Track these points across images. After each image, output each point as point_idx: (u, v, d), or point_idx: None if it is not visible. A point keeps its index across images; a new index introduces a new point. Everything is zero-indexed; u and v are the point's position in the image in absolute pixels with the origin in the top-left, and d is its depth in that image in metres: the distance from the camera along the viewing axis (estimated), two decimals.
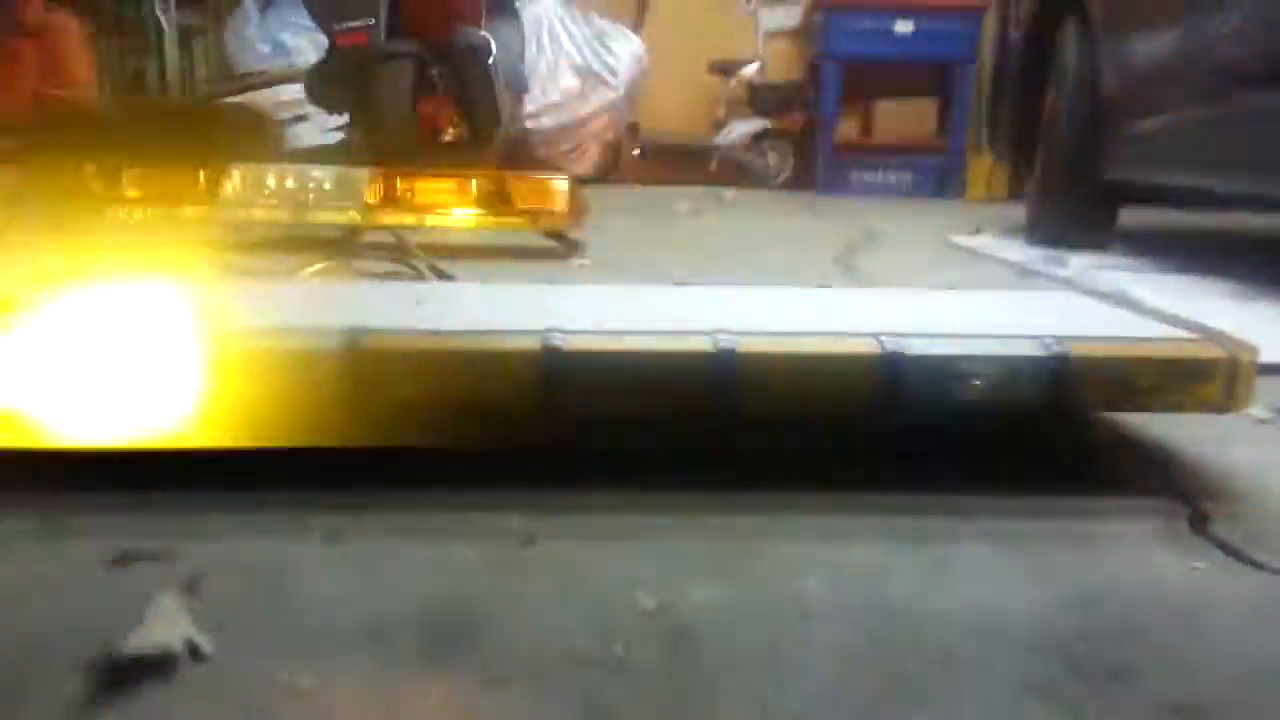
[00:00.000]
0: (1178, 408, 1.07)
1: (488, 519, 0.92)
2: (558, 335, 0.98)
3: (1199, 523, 0.97)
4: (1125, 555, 0.89)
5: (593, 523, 0.93)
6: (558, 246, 2.86)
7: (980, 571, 0.85)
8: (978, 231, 3.75)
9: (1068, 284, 2.58)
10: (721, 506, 0.98)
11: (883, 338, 1.01)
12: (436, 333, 1.00)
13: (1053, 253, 3.13)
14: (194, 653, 0.67)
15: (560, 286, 1.33)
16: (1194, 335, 1.09)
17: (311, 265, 2.19)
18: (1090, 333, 1.10)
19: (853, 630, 0.75)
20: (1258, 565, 0.87)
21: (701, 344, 1.00)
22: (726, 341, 1.00)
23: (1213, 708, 0.66)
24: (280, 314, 1.10)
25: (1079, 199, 3.21)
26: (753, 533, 0.92)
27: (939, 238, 3.62)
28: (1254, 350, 1.07)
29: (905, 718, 0.64)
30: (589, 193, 3.17)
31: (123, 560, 0.81)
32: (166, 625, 0.69)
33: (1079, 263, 2.91)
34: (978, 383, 1.02)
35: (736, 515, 0.96)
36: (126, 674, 0.65)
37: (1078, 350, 1.02)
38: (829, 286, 1.94)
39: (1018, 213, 3.80)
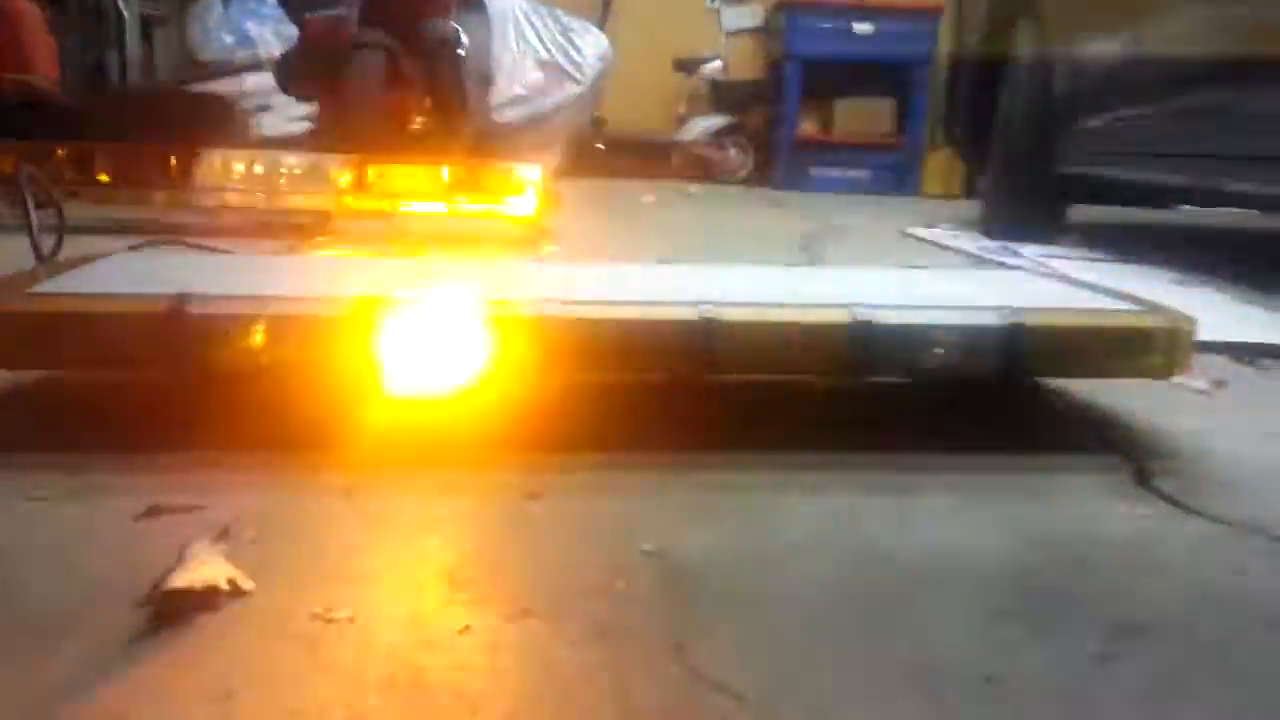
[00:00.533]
0: (1123, 373, 1.16)
1: (493, 477, 0.98)
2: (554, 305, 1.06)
3: (1143, 477, 1.06)
4: (1075, 503, 0.98)
5: (590, 480, 1.00)
6: (527, 235, 2.91)
7: (943, 517, 0.93)
8: (933, 225, 3.87)
9: (1020, 271, 2.70)
10: (707, 466, 1.05)
11: (854, 308, 1.10)
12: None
13: (1006, 244, 3.25)
14: (235, 589, 0.73)
15: (545, 264, 1.40)
16: (1138, 308, 1.19)
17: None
18: (1043, 305, 1.19)
19: (833, 565, 0.82)
20: (1196, 513, 0.97)
21: (688, 313, 1.07)
22: (709, 311, 1.07)
23: (1154, 627, 0.74)
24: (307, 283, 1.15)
25: (1031, 193, 3.34)
26: (737, 488, 0.99)
27: (897, 230, 3.73)
28: (1192, 321, 1.16)
29: (881, 635, 0.72)
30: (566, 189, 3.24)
31: (153, 512, 0.87)
32: (206, 565, 0.75)
33: (1031, 253, 3.03)
34: (940, 350, 1.11)
35: (721, 473, 1.03)
36: (176, 607, 0.70)
37: (1031, 320, 1.11)
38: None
39: (973, 209, 3.93)
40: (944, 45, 5.85)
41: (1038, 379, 1.21)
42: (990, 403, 1.23)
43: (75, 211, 2.65)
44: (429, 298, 1.08)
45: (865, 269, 1.42)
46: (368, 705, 0.60)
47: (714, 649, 0.68)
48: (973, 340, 1.10)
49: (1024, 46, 3.31)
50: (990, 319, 1.11)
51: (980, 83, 3.67)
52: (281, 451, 1.02)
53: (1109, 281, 2.37)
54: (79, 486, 0.92)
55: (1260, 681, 0.68)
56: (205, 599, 0.71)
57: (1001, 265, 2.77)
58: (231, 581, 0.74)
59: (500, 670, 0.65)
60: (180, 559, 0.75)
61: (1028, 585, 0.80)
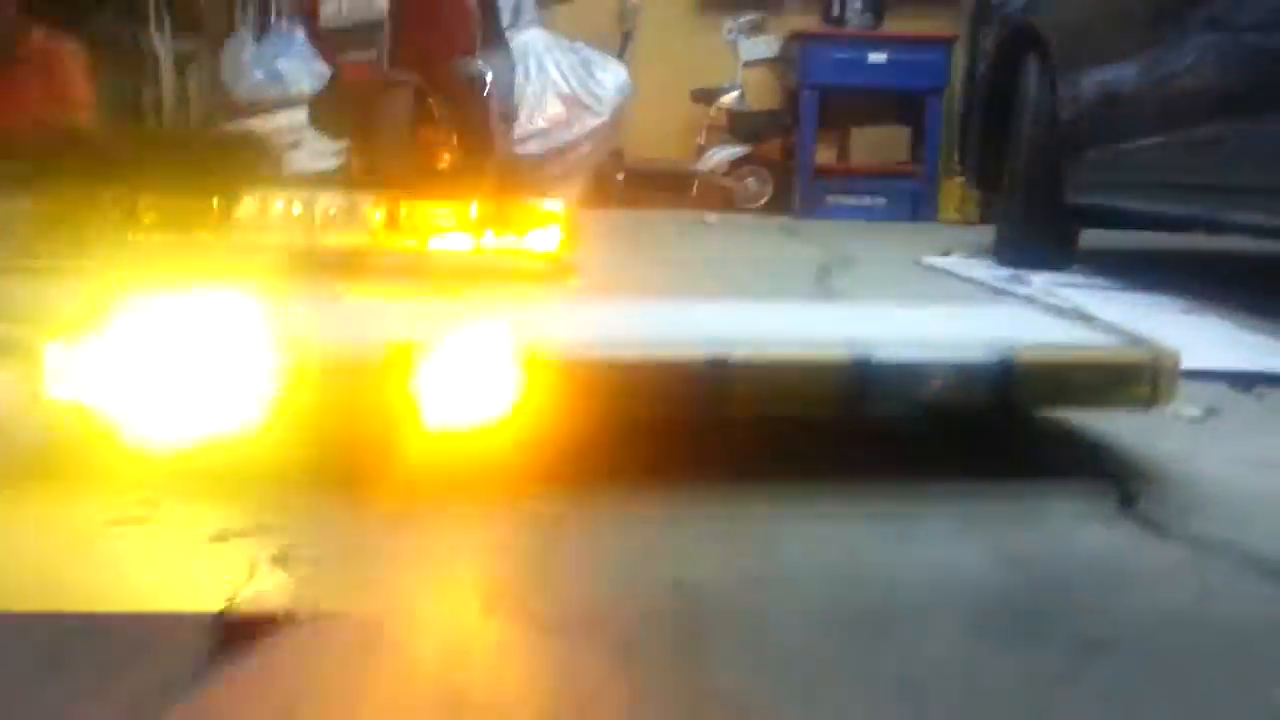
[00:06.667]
0: (1110, 405, 1.24)
1: (522, 506, 1.07)
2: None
3: (1127, 502, 1.14)
4: (1060, 528, 1.06)
5: (610, 510, 1.08)
6: (552, 268, 3.02)
7: (937, 542, 1.01)
8: (947, 253, 3.95)
9: (1028, 300, 2.77)
10: (718, 497, 1.13)
11: (853, 345, 1.18)
12: None
13: (1017, 272, 3.33)
14: (293, 612, 0.82)
15: (563, 303, 1.49)
16: (1123, 341, 1.26)
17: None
18: (1034, 340, 1.27)
19: (833, 589, 0.91)
20: (1173, 536, 1.04)
21: (699, 353, 1.16)
22: (721, 350, 1.16)
23: (1125, 644, 0.82)
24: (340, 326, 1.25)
25: (1041, 222, 3.41)
26: (746, 517, 1.08)
27: (910, 259, 3.81)
28: (1175, 354, 1.24)
29: (874, 653, 0.80)
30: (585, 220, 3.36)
31: (221, 537, 0.96)
32: (268, 587, 0.85)
33: (1041, 281, 3.10)
34: (936, 383, 1.19)
35: (732, 503, 1.12)
36: (241, 630, 0.79)
37: (1021, 356, 1.19)
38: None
39: (987, 234, 3.99)
40: (957, 75, 5.95)
41: (1028, 410, 1.28)
42: (987, 432, 1.31)
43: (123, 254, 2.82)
44: (452, 340, 1.17)
45: (869, 306, 1.51)
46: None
47: (723, 666, 0.77)
48: (966, 375, 1.19)
49: (1031, 78, 3.39)
50: (982, 355, 1.19)
51: (991, 113, 3.76)
52: (329, 486, 1.11)
53: (1116, 311, 2.45)
54: (154, 513, 1.02)
55: (1214, 699, 0.76)
56: (267, 622, 0.80)
57: (1008, 295, 2.85)
58: (291, 604, 0.83)
59: (531, 682, 0.74)
60: (245, 581, 0.85)
61: (1011, 605, 0.88)
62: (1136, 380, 1.22)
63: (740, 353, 1.16)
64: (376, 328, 1.23)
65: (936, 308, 1.51)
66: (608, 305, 1.51)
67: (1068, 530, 1.05)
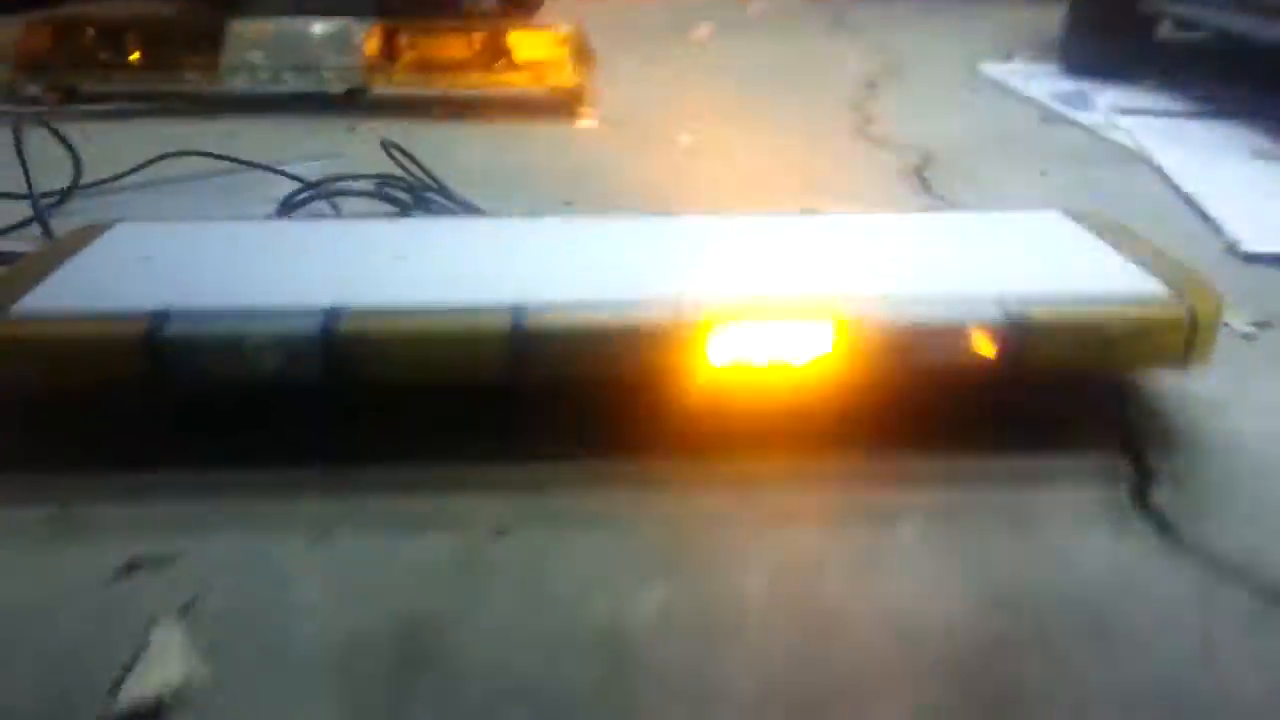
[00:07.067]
0: (1135, 367, 1.09)
1: (465, 502, 0.99)
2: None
3: (1143, 488, 1.01)
4: (1057, 539, 0.94)
5: (563, 507, 0.99)
6: (563, 99, 2.80)
7: (911, 562, 0.90)
8: (1009, 57, 3.59)
9: (1089, 133, 2.51)
10: (682, 483, 1.03)
11: (837, 302, 1.04)
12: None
13: (1083, 86, 3.02)
14: (186, 694, 0.76)
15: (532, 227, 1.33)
16: (1157, 293, 1.08)
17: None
18: (1055, 287, 1.10)
19: (783, 638, 0.81)
20: (1188, 550, 0.92)
21: (657, 316, 1.02)
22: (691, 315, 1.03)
23: None
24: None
25: (1116, 28, 3.05)
26: (707, 519, 0.97)
27: (968, 66, 3.47)
28: (1218, 303, 1.07)
29: None
30: (601, 19, 3.10)
31: (132, 566, 0.90)
32: (165, 658, 0.78)
33: (1106, 102, 2.81)
34: (927, 350, 1.04)
35: (691, 498, 1.01)
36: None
37: (1035, 315, 1.04)
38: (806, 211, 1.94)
39: (1057, 23, 3.58)
40: None
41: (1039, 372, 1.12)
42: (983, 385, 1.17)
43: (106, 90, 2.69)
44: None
45: (866, 221, 1.33)
46: None
47: None
48: (966, 336, 1.04)
49: None
50: (990, 314, 1.04)
51: None
52: (259, 476, 1.04)
53: (1184, 152, 2.19)
54: (60, 530, 0.95)
55: None
56: (154, 714, 0.74)
57: (1069, 124, 2.58)
58: (185, 684, 0.77)
59: None
60: (142, 649, 0.79)
61: (973, 676, 0.78)
62: (1169, 337, 1.06)
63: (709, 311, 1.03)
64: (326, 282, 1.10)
65: (947, 221, 1.34)
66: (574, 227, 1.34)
67: (1065, 544, 0.93)
